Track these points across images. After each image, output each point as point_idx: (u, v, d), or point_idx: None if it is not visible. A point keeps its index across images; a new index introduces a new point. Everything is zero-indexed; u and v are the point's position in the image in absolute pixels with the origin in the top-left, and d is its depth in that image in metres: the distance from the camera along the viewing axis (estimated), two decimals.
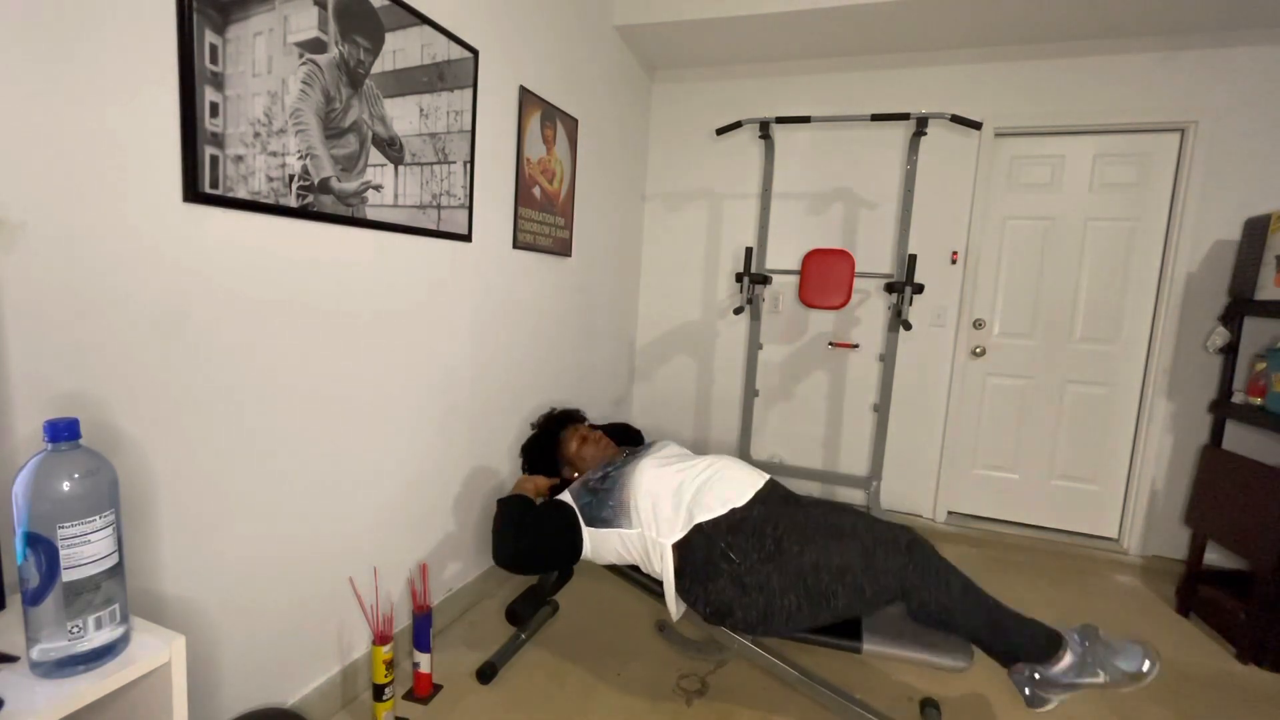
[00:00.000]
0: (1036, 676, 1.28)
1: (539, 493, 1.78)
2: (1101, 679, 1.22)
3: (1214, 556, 2.49)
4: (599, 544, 1.55)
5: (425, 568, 1.70)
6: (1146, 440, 2.64)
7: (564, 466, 1.92)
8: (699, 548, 1.46)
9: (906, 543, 1.38)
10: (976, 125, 2.43)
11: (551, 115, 2.25)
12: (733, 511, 1.49)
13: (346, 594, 1.56)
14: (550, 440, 1.93)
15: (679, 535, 1.48)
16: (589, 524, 1.55)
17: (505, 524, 1.56)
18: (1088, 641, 1.28)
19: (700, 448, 3.27)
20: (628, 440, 2.09)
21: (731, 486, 1.55)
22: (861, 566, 1.35)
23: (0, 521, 0.87)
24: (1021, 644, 1.30)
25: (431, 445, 1.82)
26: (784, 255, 3.03)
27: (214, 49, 1.10)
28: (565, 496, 1.61)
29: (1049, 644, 1.28)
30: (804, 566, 1.37)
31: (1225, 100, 2.45)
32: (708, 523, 1.47)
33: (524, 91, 2.06)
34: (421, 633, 1.60)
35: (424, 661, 1.61)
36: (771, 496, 1.57)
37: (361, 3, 1.40)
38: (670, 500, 1.52)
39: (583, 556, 1.57)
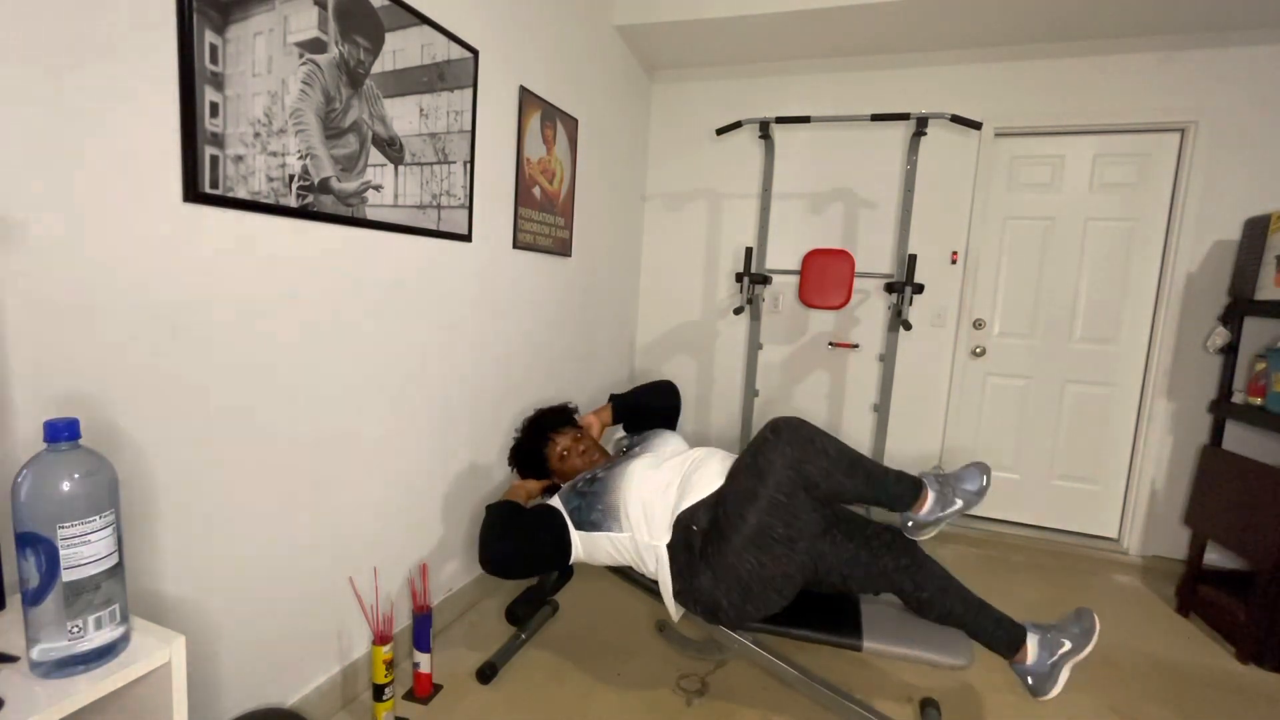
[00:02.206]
0: (910, 524, 1.44)
1: (530, 497, 1.77)
2: (959, 504, 1.41)
3: (1214, 556, 2.49)
4: (590, 547, 1.55)
5: (425, 568, 1.70)
6: (1146, 440, 2.64)
7: (553, 472, 1.90)
8: (679, 543, 1.47)
9: (772, 427, 1.43)
10: (976, 125, 2.43)
11: (551, 115, 2.25)
12: (705, 499, 1.50)
13: (346, 594, 1.56)
14: (533, 449, 1.87)
15: (670, 536, 1.48)
16: (578, 527, 1.54)
17: (491, 529, 1.54)
18: (940, 481, 1.44)
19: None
20: (653, 411, 1.97)
21: (705, 476, 1.55)
22: (774, 484, 1.39)
23: (0, 521, 0.87)
24: (892, 493, 1.42)
25: (431, 445, 1.82)
26: (784, 255, 3.03)
27: (214, 49, 1.10)
28: (555, 500, 1.61)
29: (914, 489, 1.43)
30: (737, 521, 1.40)
31: (1225, 100, 2.45)
32: (684, 511, 1.49)
33: (524, 91, 2.06)
34: (421, 633, 1.60)
35: (424, 661, 1.61)
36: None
37: (361, 3, 1.40)
38: (659, 502, 1.52)
39: (574, 559, 1.56)
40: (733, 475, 1.48)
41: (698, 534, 1.46)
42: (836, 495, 1.41)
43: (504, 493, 1.82)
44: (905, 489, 1.42)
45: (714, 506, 1.47)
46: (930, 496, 1.42)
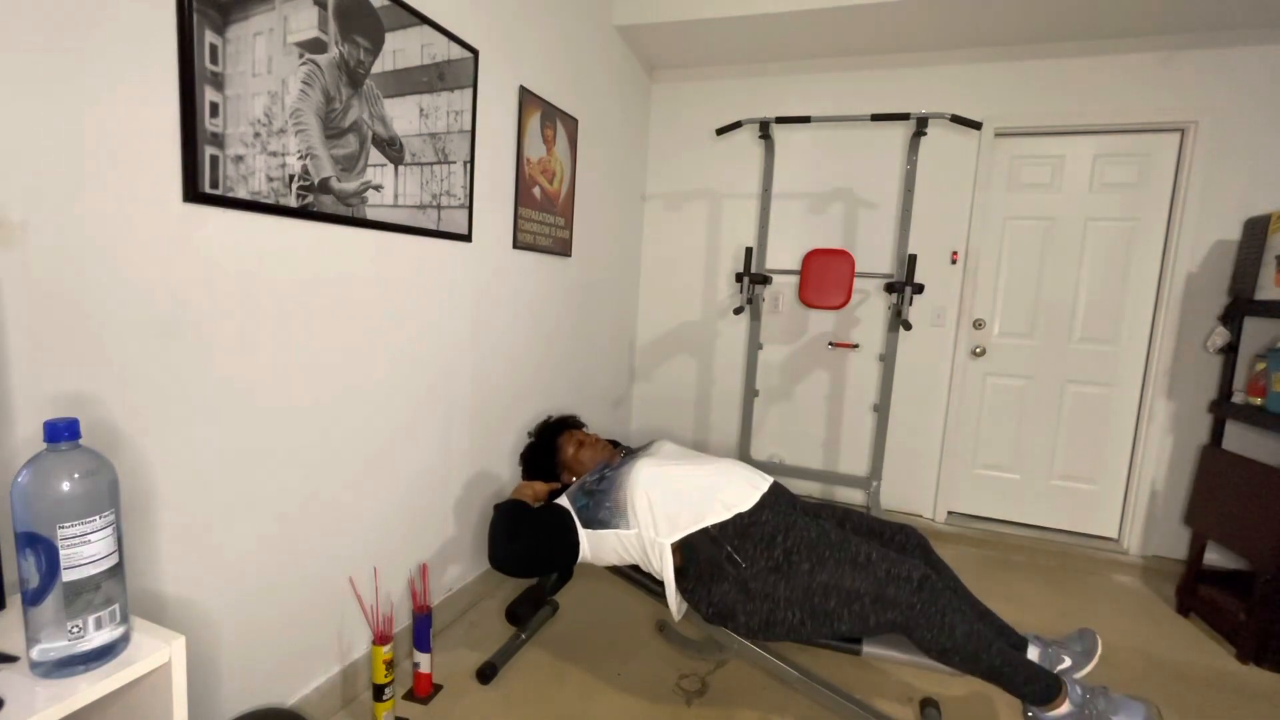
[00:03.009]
0: (1030, 715, 1.36)
1: (537, 498, 1.78)
2: None
3: (1214, 556, 2.49)
4: (597, 546, 1.54)
5: (425, 568, 1.70)
6: (1146, 440, 2.64)
7: (562, 471, 1.92)
8: (703, 550, 1.46)
9: (918, 580, 1.36)
10: (976, 125, 2.42)
11: (551, 115, 2.25)
12: (739, 516, 1.49)
13: (346, 594, 1.56)
14: (548, 446, 1.93)
15: (680, 536, 1.48)
16: (586, 526, 1.54)
17: (500, 527, 1.56)
18: (1089, 694, 1.33)
19: (700, 448, 3.28)
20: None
21: (735, 490, 1.55)
22: (871, 597, 1.35)
23: (0, 521, 0.87)
24: (1020, 690, 1.34)
25: (431, 445, 1.82)
26: (784, 255, 3.03)
27: (214, 49, 1.10)
28: (562, 500, 1.61)
29: (1049, 690, 1.33)
30: (813, 586, 1.38)
31: (1225, 100, 2.45)
32: (713, 526, 1.48)
33: (524, 91, 2.06)
34: (421, 633, 1.60)
35: (424, 661, 1.61)
36: (778, 502, 1.57)
37: (361, 3, 1.40)
38: (672, 500, 1.52)
39: (581, 558, 1.56)
40: (852, 563, 1.41)
41: (733, 550, 1.44)
42: (944, 663, 1.35)
43: (511, 492, 1.82)
44: (1039, 689, 1.32)
45: (757, 529, 1.46)
46: (1066, 705, 1.30)
